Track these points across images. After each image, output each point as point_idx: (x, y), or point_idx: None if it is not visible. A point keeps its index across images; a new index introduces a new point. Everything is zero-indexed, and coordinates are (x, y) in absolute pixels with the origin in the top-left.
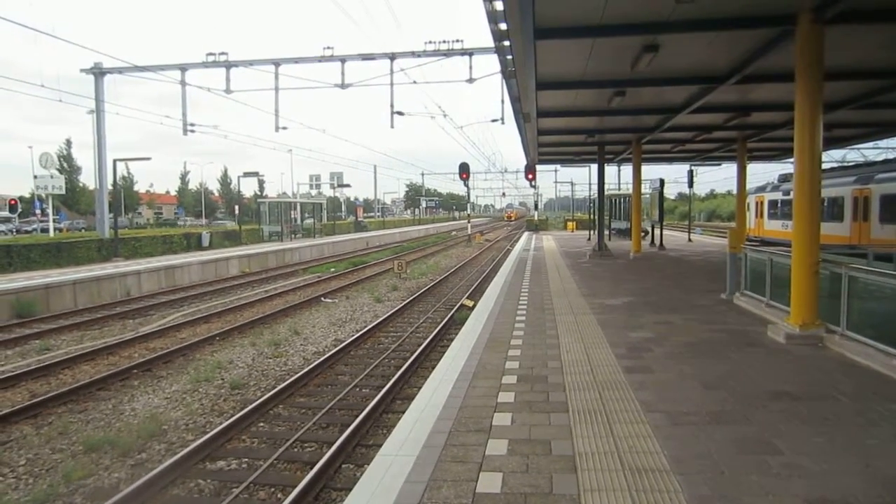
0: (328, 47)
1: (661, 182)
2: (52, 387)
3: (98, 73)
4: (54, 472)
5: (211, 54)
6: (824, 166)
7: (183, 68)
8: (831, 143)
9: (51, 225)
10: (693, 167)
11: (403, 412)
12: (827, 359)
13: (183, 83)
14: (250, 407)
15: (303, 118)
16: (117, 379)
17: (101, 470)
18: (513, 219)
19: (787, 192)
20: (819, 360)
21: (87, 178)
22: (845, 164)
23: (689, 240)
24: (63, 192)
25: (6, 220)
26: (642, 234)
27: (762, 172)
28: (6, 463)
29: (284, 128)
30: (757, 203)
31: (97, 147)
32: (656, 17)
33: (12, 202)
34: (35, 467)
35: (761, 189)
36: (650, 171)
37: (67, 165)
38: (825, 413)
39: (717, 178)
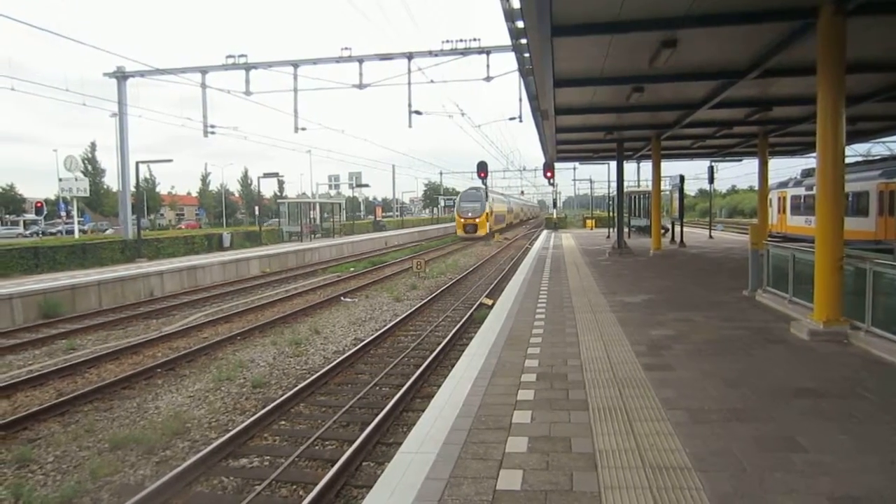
0: (346, 48)
1: (681, 178)
2: (78, 386)
3: (121, 76)
4: (81, 468)
5: (231, 56)
6: (848, 160)
7: (203, 71)
8: (855, 136)
9: (75, 227)
10: (713, 163)
11: (423, 410)
12: (851, 355)
13: (203, 86)
14: (272, 405)
15: (321, 119)
16: (141, 378)
17: (127, 467)
18: (478, 232)
19: (809, 188)
20: (843, 357)
21: (111, 181)
22: (870, 157)
23: (710, 236)
24: (87, 194)
25: (33, 223)
26: (662, 231)
27: (784, 168)
28: (35, 460)
29: (303, 128)
30: (779, 198)
31: (120, 150)
32: (674, 12)
33: (38, 205)
34: (63, 464)
35: (783, 184)
36: (670, 168)
37: (91, 168)
38: (850, 410)
39: (739, 173)
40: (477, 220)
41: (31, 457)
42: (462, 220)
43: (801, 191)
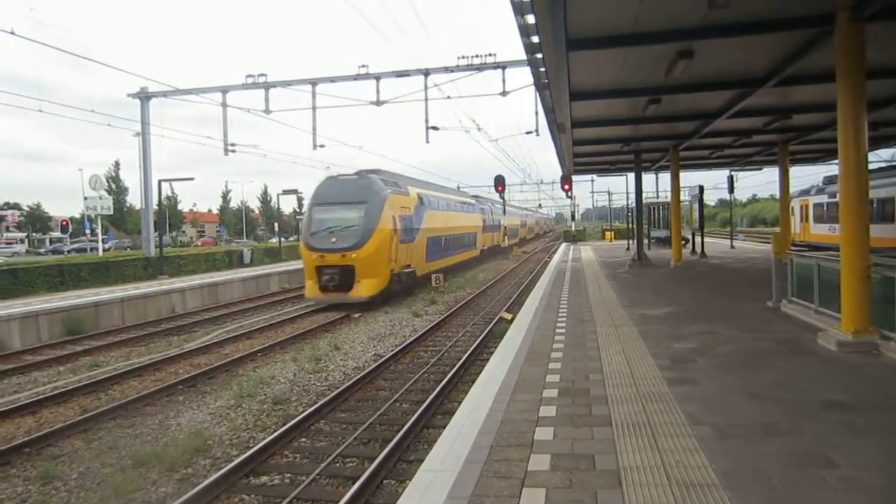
0: (363, 65)
1: (701, 188)
2: (101, 402)
3: (144, 97)
4: (105, 485)
5: (250, 76)
6: (873, 166)
7: (224, 90)
8: (878, 142)
9: (100, 244)
10: (733, 172)
11: (444, 427)
12: (883, 366)
13: (224, 105)
14: (292, 422)
15: (340, 136)
16: (164, 394)
17: (149, 484)
18: (356, 289)
19: (832, 195)
20: (874, 368)
21: (134, 199)
22: (895, 163)
23: (732, 246)
24: (111, 212)
25: (58, 240)
26: (683, 242)
27: (805, 175)
28: (59, 477)
29: (322, 146)
30: (802, 207)
31: (143, 169)
32: (689, 24)
33: (63, 223)
34: (86, 481)
35: (806, 192)
36: (689, 178)
37: (115, 186)
38: (883, 424)
39: (759, 182)
40: (353, 254)
41: (55, 473)
42: (313, 255)
43: (824, 198)
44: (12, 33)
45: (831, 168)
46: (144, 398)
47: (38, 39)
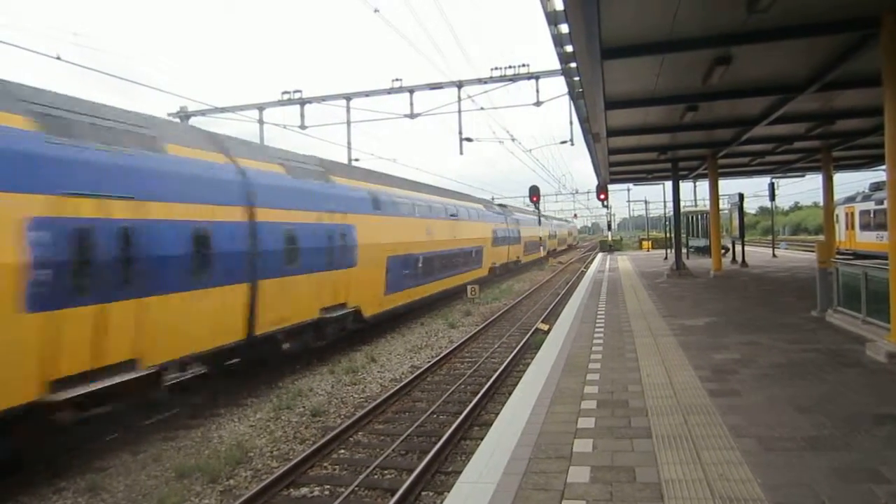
0: (397, 79)
1: (741, 196)
2: (146, 416)
3: (184, 116)
4: (150, 497)
5: (286, 92)
6: None
7: (260, 108)
8: None
9: None
10: (774, 179)
11: (482, 439)
12: None
13: (261, 122)
14: (331, 434)
15: (374, 149)
16: (205, 408)
17: (193, 496)
18: None
19: (880, 202)
20: None
21: None
22: None
23: (774, 255)
24: None
25: None
26: (722, 251)
27: (848, 182)
28: (106, 488)
29: (357, 159)
30: (847, 214)
31: None
32: (727, 29)
33: None
34: (133, 493)
35: (851, 199)
36: (728, 186)
37: None
38: None
39: (802, 189)
40: None
41: (102, 485)
42: None
43: (871, 205)
44: (58, 58)
45: (877, 174)
46: (187, 411)
47: (82, 63)
